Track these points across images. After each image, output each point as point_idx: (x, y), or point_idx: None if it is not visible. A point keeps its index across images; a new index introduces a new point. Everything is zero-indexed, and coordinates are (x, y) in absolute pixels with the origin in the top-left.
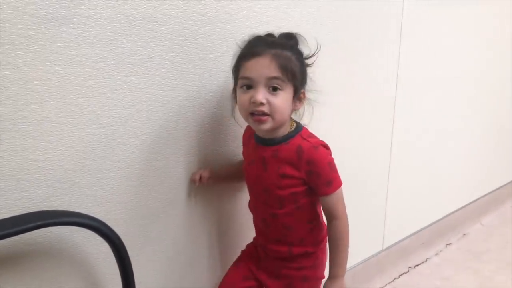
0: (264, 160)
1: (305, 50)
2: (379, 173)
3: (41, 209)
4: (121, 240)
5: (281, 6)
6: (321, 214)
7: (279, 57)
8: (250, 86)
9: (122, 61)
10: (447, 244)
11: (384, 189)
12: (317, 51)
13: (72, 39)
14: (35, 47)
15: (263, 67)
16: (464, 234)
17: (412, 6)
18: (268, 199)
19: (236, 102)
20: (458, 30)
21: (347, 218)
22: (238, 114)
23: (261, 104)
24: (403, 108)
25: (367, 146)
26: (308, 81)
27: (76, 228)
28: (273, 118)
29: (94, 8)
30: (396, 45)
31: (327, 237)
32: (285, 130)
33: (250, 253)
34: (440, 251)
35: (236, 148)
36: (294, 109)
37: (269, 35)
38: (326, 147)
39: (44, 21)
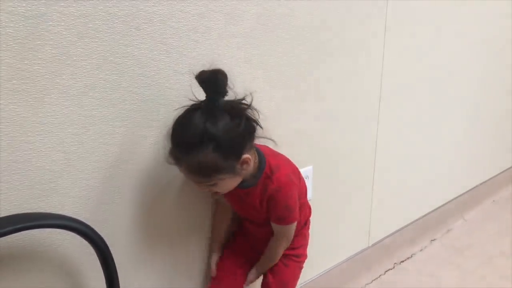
0: (240, 196)
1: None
2: (365, 171)
3: (21, 212)
4: (105, 242)
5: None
6: (304, 209)
7: (194, 166)
8: None
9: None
10: (431, 240)
11: (370, 187)
12: (249, 98)
13: None
14: None
15: (187, 175)
16: (448, 230)
17: (396, 13)
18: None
19: None
20: (441, 33)
21: (287, 246)
22: None
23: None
24: (388, 106)
25: (353, 143)
26: (251, 135)
27: (58, 230)
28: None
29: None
30: (380, 46)
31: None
32: (251, 172)
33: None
34: (425, 247)
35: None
36: (244, 171)
37: (191, 115)
38: (289, 176)
39: None
